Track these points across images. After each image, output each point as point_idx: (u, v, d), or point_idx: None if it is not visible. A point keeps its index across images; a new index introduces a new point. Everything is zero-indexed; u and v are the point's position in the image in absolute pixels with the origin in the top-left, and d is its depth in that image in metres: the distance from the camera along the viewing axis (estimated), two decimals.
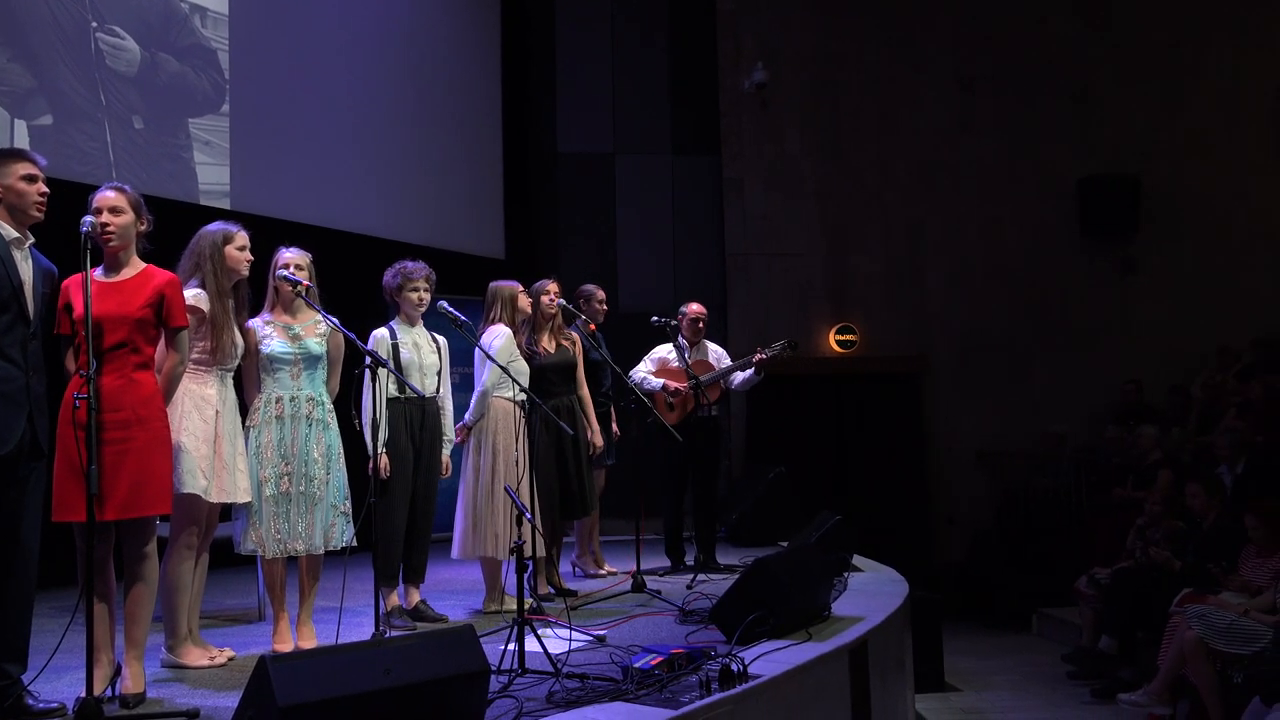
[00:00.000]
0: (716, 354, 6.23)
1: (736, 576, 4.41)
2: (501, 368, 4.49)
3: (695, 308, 6.18)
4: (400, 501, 4.46)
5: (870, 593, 5.10)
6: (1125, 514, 7.59)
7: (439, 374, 4.65)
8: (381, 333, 4.54)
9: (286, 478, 3.90)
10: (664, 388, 5.98)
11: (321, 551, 3.97)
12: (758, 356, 5.97)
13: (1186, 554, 6.22)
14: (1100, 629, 6.68)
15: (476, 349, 4.73)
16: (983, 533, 9.76)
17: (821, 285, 10.06)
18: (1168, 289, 10.11)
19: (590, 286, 6.07)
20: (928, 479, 9.95)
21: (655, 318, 6.01)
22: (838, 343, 9.99)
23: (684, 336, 6.15)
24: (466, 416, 4.85)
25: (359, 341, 3.96)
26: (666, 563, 6.08)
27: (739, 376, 6.12)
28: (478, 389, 4.85)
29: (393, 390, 4.42)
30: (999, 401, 9.96)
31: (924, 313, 10.12)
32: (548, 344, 5.33)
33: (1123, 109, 10.26)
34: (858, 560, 6.01)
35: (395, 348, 4.50)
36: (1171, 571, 6.16)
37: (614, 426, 6.06)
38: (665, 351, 6.12)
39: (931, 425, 10.02)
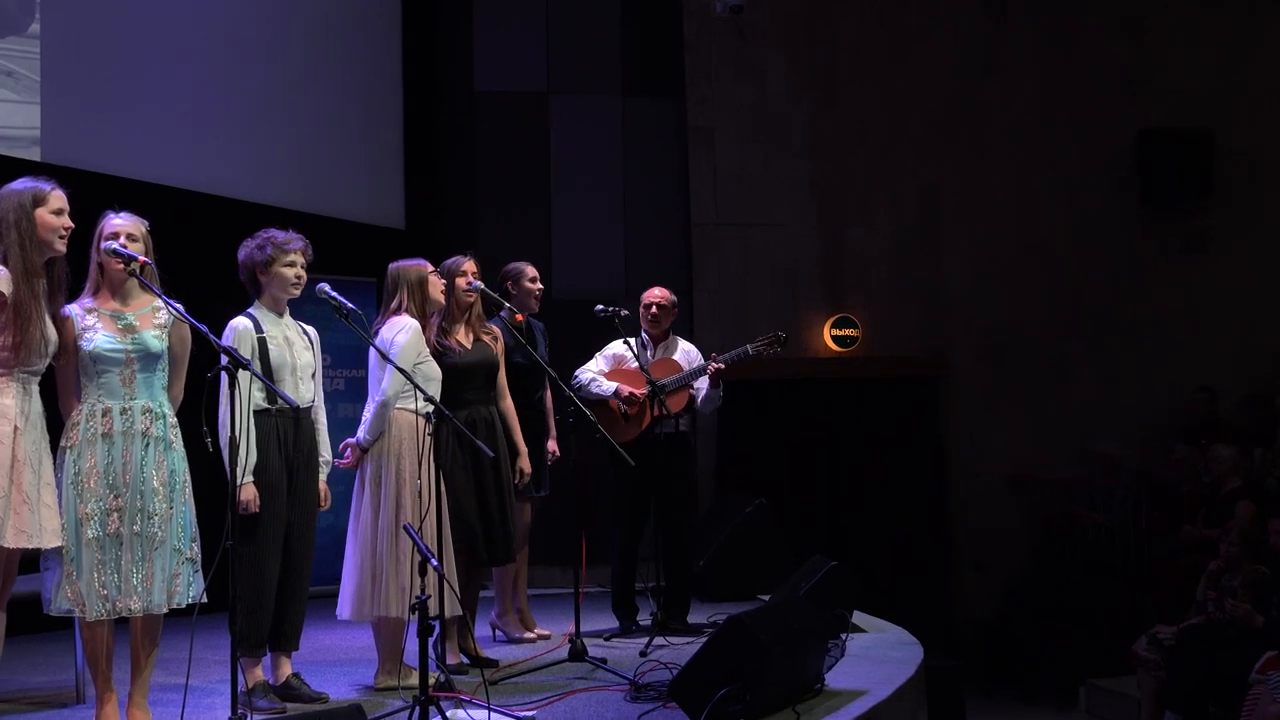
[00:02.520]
0: (688, 354, 6.24)
1: (704, 640, 4.42)
2: (404, 373, 4.45)
3: (658, 292, 6.21)
4: (272, 544, 4.44)
5: (875, 659, 5.15)
6: (1195, 557, 7.70)
7: (314, 376, 4.62)
8: (244, 324, 4.49)
9: (116, 514, 3.85)
10: (617, 393, 5.96)
11: (163, 610, 3.93)
12: (713, 366, 5.97)
13: (1271, 607, 6.33)
14: (1164, 703, 6.77)
15: (372, 348, 4.69)
16: (1016, 581, 9.87)
17: (813, 266, 10.11)
18: (1247, 272, 10.28)
19: (519, 264, 6.06)
20: (947, 513, 10.03)
21: (600, 306, 5.99)
22: (834, 339, 10.05)
23: (644, 330, 6.17)
24: (360, 434, 4.81)
25: (212, 336, 3.91)
26: (614, 623, 6.08)
27: (703, 388, 6.12)
28: (375, 398, 4.80)
29: (259, 399, 4.37)
30: (1036, 414, 10.07)
31: (941, 301, 10.21)
32: (464, 338, 5.30)
33: (1193, 46, 10.43)
34: (858, 618, 6.05)
35: (262, 343, 4.46)
36: (1252, 629, 6.26)
37: (551, 446, 6.04)
38: (624, 349, 6.10)
39: (952, 444, 10.11)
